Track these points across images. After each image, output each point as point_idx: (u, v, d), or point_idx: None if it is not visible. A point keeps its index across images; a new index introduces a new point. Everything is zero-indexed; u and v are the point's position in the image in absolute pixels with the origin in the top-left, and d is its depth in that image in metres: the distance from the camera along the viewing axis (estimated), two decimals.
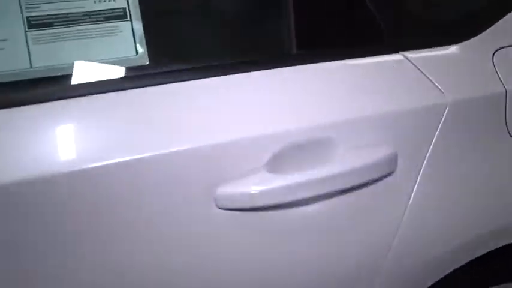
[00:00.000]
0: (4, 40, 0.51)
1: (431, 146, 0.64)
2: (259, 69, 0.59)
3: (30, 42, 0.52)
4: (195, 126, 0.54)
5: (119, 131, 0.51)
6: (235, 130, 0.55)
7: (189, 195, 0.53)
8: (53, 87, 0.52)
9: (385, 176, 0.61)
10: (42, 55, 0.52)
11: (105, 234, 0.50)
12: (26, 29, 0.52)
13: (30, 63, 0.52)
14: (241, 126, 0.55)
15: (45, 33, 0.52)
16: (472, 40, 0.72)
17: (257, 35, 0.63)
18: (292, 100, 0.59)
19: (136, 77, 0.55)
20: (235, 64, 0.60)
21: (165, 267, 0.53)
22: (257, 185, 0.55)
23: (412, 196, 0.64)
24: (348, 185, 0.58)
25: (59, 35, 0.53)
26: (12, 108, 0.49)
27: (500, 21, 0.74)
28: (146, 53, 0.56)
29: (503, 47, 0.72)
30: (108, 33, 0.54)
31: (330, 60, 0.63)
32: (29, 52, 0.52)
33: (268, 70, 0.60)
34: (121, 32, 0.55)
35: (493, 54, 0.72)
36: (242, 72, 0.58)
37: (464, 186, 0.68)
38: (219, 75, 0.58)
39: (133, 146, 0.50)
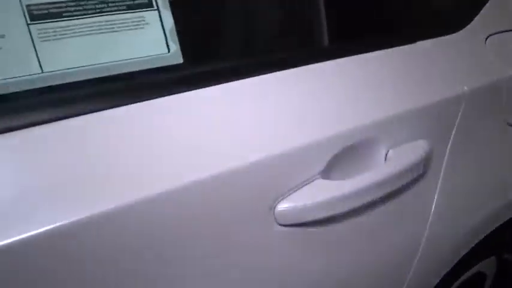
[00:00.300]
0: (1, 37, 0.37)
1: (452, 135, 0.65)
2: (292, 67, 0.53)
3: (35, 39, 0.39)
4: (244, 139, 0.46)
5: (156, 151, 0.42)
6: (288, 139, 0.48)
7: (247, 217, 0.46)
8: (75, 97, 0.40)
9: (426, 171, 0.60)
10: (53, 56, 0.39)
11: (168, 266, 0.41)
12: (28, 22, 0.39)
13: (41, 67, 0.39)
14: (292, 134, 0.49)
15: (53, 27, 0.40)
16: (466, 28, 0.73)
17: (287, 28, 0.56)
18: (333, 99, 0.54)
19: (175, 80, 0.45)
20: (271, 61, 0.53)
21: None
22: (319, 197, 0.49)
23: (439, 182, 0.64)
24: (399, 185, 0.55)
25: (71, 29, 0.41)
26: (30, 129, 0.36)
27: (483, 10, 0.77)
28: (179, 49, 0.46)
29: (493, 34, 0.75)
30: (132, 25, 0.43)
31: (353, 54, 0.59)
32: (36, 52, 0.39)
33: (303, 67, 0.54)
34: (148, 24, 0.44)
35: (485, 41, 0.74)
36: (276, 70, 0.52)
37: (478, 172, 0.70)
38: (254, 75, 0.50)
39: (178, 169, 0.41)
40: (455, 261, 0.71)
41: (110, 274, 0.38)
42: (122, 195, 0.38)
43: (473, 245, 0.73)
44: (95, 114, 0.41)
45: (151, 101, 0.44)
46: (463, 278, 0.82)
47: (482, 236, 0.74)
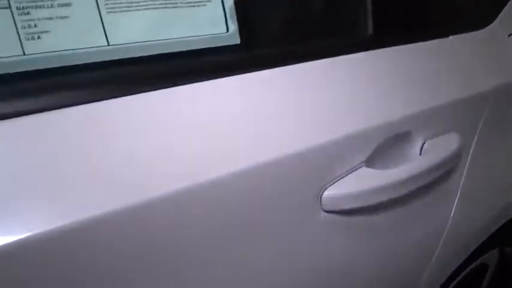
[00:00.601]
0: (66, 5, 0.36)
1: (479, 129, 0.66)
2: (335, 55, 0.53)
3: (102, 10, 0.37)
4: (294, 126, 0.46)
5: (205, 135, 0.41)
6: (338, 126, 0.48)
7: (295, 203, 0.46)
8: (136, 74, 0.39)
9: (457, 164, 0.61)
10: (118, 29, 0.38)
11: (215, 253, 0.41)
12: None
13: (107, 39, 0.37)
14: (340, 122, 0.49)
15: None
16: (491, 25, 0.74)
17: (329, 14, 0.56)
18: (376, 90, 0.54)
19: (232, 61, 0.44)
20: (318, 48, 0.52)
21: (276, 276, 0.46)
22: (363, 185, 0.49)
23: (464, 175, 0.66)
24: (434, 177, 0.57)
25: (136, 2, 0.39)
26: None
27: (506, 7, 0.78)
28: (237, 30, 0.45)
29: None
30: (195, 2, 0.42)
31: (391, 46, 0.60)
32: (102, 23, 0.37)
33: (344, 56, 0.54)
34: (209, 1, 0.43)
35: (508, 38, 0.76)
36: (324, 57, 0.51)
37: (497, 166, 0.72)
38: (302, 62, 0.50)
39: (226, 155, 0.41)
40: (469, 253, 0.74)
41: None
42: (175, 179, 0.37)
43: (485, 238, 0.75)
44: (151, 93, 0.40)
45: (205, 82, 0.43)
46: (469, 268, 0.84)
47: (494, 230, 0.76)
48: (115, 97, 0.37)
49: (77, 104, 0.35)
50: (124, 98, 0.38)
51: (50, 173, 0.32)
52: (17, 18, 0.33)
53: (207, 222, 0.40)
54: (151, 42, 0.40)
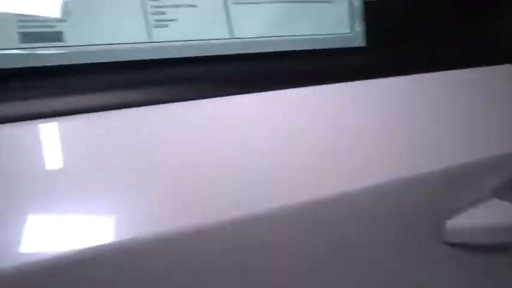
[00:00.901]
0: None
1: None
2: (470, 67, 0.47)
3: (228, 1, 0.35)
4: (417, 145, 0.40)
5: (317, 148, 0.36)
6: (465, 151, 0.42)
7: (414, 231, 0.40)
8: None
9: None
10: (243, 21, 0.36)
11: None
12: None
13: (231, 32, 0.35)
14: (469, 144, 0.42)
15: None
16: None
17: (465, 21, 0.50)
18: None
19: (355, 66, 0.40)
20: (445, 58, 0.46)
21: None
22: (494, 219, 0.42)
23: None
24: None
25: None
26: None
27: None
28: (363, 31, 0.41)
29: None
30: None
31: None
32: (228, 15, 0.35)
33: (479, 68, 0.47)
34: None
35: None
36: (451, 69, 0.45)
37: None
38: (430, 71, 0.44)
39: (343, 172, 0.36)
40: None
41: None
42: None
43: None
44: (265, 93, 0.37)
45: (325, 86, 0.39)
46: None
47: None
48: (238, 94, 0.35)
49: (201, 98, 0.33)
50: (243, 95, 0.35)
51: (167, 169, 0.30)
52: (148, 3, 0.32)
53: (312, 243, 0.36)
54: (273, 39, 0.37)
